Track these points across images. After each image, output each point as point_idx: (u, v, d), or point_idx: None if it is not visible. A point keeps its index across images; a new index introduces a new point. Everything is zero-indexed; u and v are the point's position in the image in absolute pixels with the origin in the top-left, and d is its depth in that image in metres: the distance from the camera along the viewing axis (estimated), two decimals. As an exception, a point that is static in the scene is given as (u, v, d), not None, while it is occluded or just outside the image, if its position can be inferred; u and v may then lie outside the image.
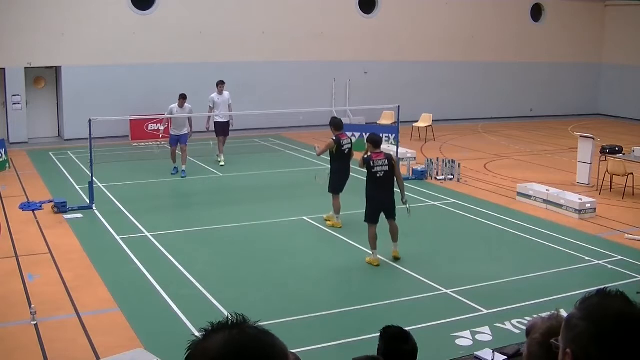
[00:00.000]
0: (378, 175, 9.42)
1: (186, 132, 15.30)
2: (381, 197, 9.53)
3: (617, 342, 1.70)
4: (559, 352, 1.84)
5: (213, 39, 20.99)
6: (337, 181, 11.33)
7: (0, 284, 8.93)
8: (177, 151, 15.44)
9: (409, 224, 11.03)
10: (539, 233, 11.34)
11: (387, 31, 23.50)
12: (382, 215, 9.76)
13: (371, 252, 9.63)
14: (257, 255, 10.28)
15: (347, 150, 11.30)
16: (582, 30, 27.42)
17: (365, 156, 9.56)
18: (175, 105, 15.14)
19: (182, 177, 15.16)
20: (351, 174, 11.64)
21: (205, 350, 1.47)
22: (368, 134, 9.94)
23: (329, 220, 11.49)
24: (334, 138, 11.28)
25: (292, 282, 9.16)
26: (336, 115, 11.65)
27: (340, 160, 11.30)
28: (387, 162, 9.46)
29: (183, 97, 15.09)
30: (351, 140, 11.62)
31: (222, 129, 16.31)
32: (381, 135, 10.99)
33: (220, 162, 16.36)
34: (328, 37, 22.65)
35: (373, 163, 9.41)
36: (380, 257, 9.85)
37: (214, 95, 16.23)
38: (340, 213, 11.44)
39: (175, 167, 15.52)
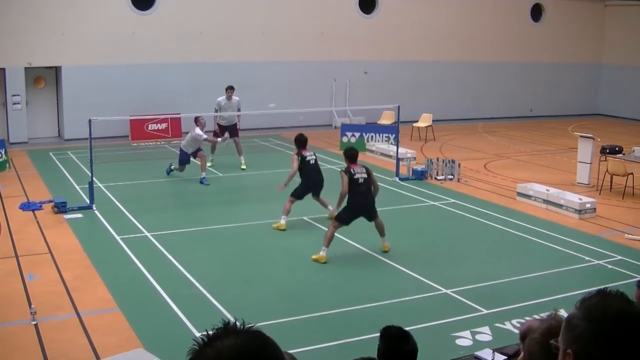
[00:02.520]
0: (359, 181, 9.82)
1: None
2: (363, 201, 9.88)
3: (618, 342, 1.70)
4: (558, 353, 1.84)
5: (213, 39, 20.99)
6: (301, 187, 11.57)
7: (0, 284, 8.93)
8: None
9: (410, 224, 11.04)
10: (539, 233, 11.34)
11: (387, 31, 23.49)
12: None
13: (322, 249, 9.78)
14: (257, 255, 10.28)
15: (311, 161, 11.50)
16: (582, 30, 27.41)
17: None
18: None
19: (207, 184, 14.60)
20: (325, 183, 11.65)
21: (219, 355, 1.47)
22: (345, 149, 10.50)
23: (280, 226, 11.29)
24: (296, 153, 11.56)
25: (292, 282, 9.17)
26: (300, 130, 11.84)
27: (306, 169, 11.50)
28: (364, 170, 9.94)
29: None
30: (314, 153, 11.72)
31: (223, 132, 16.08)
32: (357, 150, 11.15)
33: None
34: (328, 37, 22.65)
35: (353, 171, 9.87)
36: (378, 256, 9.88)
37: (222, 99, 15.95)
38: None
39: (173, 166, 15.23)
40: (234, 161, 16.30)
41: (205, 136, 14.80)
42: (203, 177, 14.71)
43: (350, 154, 10.13)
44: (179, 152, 15.10)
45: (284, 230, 11.19)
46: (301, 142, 11.62)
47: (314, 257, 9.80)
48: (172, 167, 15.22)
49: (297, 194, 11.50)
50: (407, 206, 13.04)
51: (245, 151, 16.43)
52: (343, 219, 9.89)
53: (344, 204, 9.91)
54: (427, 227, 11.94)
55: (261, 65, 21.71)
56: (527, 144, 20.49)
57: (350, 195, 9.84)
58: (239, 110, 16.00)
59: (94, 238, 10.98)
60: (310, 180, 11.51)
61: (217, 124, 16.14)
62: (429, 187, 14.59)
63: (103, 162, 15.52)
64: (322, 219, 11.76)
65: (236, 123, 16.17)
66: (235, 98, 15.96)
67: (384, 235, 10.12)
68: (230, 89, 15.92)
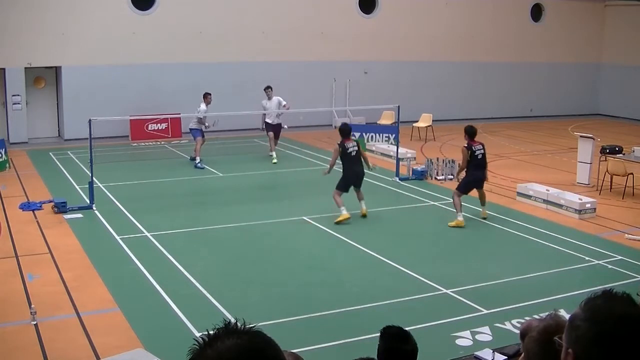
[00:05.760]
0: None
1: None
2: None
3: (619, 344, 1.69)
4: (561, 350, 1.84)
5: (213, 39, 20.98)
6: (342, 180, 11.85)
7: (0, 284, 8.93)
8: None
9: (410, 223, 11.04)
10: (539, 233, 11.33)
11: (387, 31, 23.49)
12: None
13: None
14: (258, 255, 10.28)
15: (353, 152, 11.80)
16: (582, 30, 27.41)
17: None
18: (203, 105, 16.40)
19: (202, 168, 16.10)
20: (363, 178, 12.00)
21: (220, 355, 1.47)
22: (466, 127, 12.05)
23: (343, 217, 11.54)
24: (338, 143, 11.91)
25: (292, 282, 9.16)
26: (338, 119, 12.25)
27: (345, 161, 11.90)
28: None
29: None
30: (358, 143, 12.08)
31: (272, 128, 17.13)
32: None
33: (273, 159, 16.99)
34: (328, 37, 22.64)
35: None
36: (378, 256, 9.90)
37: (264, 101, 17.09)
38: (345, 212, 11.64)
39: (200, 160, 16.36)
40: (235, 161, 16.30)
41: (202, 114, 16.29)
42: (200, 161, 16.26)
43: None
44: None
45: (348, 218, 11.45)
46: (344, 132, 11.98)
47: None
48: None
49: (340, 187, 11.76)
50: (407, 206, 13.04)
51: (245, 151, 16.44)
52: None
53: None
54: (427, 227, 11.93)
55: (261, 65, 21.70)
56: (527, 144, 20.49)
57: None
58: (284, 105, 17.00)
59: (94, 238, 10.98)
60: (349, 171, 11.80)
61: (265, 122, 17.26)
62: (429, 187, 14.59)
63: (103, 162, 15.52)
64: (321, 218, 11.76)
65: (280, 123, 17.24)
66: (275, 97, 17.00)
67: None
68: (268, 89, 17.01)
